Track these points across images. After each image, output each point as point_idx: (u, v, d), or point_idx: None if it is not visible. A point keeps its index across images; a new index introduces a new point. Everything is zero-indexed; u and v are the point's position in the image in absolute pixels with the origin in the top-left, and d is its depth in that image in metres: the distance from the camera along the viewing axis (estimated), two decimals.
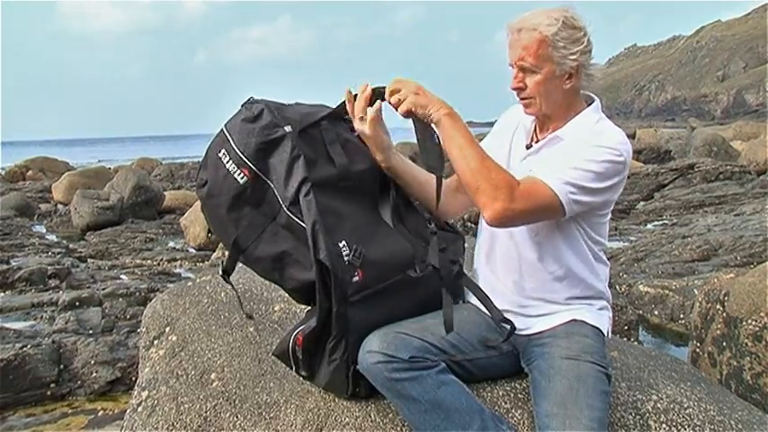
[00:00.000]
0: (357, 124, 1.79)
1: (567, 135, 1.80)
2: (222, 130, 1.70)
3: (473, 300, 1.91)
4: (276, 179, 1.65)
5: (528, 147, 1.88)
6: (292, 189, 1.63)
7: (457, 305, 1.87)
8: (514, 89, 1.79)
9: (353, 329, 1.67)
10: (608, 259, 1.93)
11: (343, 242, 1.64)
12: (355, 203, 1.73)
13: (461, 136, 1.67)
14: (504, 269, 1.86)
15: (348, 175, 1.71)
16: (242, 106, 1.72)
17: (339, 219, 1.67)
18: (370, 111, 1.76)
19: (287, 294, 1.97)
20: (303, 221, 1.62)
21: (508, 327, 1.76)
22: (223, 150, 1.67)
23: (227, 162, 1.66)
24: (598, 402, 1.62)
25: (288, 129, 1.65)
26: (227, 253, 1.77)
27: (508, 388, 1.87)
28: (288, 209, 1.64)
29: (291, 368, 1.82)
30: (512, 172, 1.75)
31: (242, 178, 1.65)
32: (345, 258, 1.63)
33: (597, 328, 1.82)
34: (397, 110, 1.72)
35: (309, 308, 1.79)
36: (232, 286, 1.88)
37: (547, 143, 1.82)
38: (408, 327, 1.69)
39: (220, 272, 1.79)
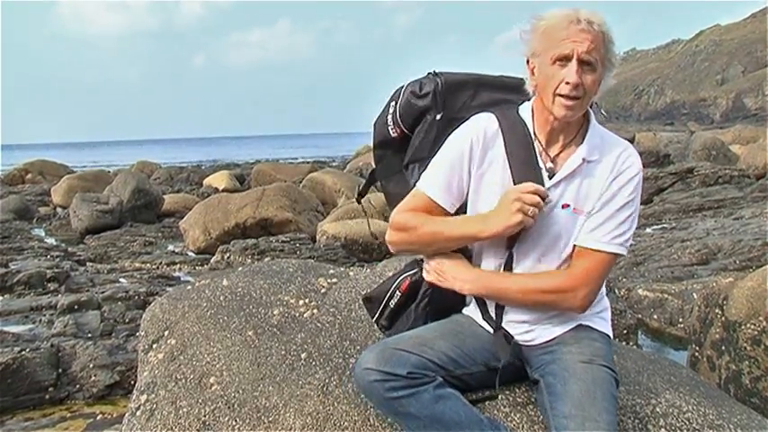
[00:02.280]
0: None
1: (592, 155, 1.72)
2: (404, 86, 1.98)
3: (470, 311, 1.89)
4: (414, 140, 1.95)
5: (548, 172, 1.72)
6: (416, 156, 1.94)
7: (457, 315, 1.88)
8: (573, 84, 1.62)
9: (436, 291, 1.83)
10: None
11: None
12: None
13: (500, 292, 1.76)
14: None
15: None
16: (427, 75, 1.95)
17: None
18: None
19: (287, 298, 1.97)
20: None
21: (509, 340, 1.77)
22: (393, 103, 1.98)
23: (390, 115, 1.97)
24: (611, 406, 1.63)
25: (438, 117, 1.90)
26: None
27: (507, 392, 1.87)
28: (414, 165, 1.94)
29: (373, 316, 1.94)
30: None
31: (393, 132, 1.97)
32: None
33: (604, 333, 1.82)
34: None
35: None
36: (364, 211, 2.20)
37: (573, 174, 1.72)
38: (406, 342, 1.69)
39: (355, 195, 1.97)
